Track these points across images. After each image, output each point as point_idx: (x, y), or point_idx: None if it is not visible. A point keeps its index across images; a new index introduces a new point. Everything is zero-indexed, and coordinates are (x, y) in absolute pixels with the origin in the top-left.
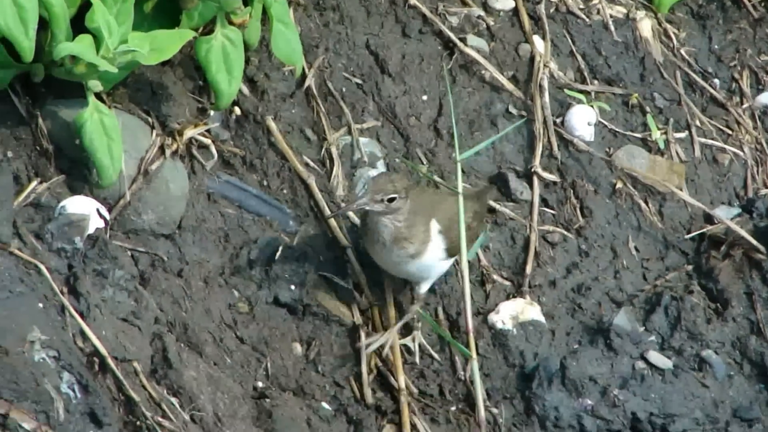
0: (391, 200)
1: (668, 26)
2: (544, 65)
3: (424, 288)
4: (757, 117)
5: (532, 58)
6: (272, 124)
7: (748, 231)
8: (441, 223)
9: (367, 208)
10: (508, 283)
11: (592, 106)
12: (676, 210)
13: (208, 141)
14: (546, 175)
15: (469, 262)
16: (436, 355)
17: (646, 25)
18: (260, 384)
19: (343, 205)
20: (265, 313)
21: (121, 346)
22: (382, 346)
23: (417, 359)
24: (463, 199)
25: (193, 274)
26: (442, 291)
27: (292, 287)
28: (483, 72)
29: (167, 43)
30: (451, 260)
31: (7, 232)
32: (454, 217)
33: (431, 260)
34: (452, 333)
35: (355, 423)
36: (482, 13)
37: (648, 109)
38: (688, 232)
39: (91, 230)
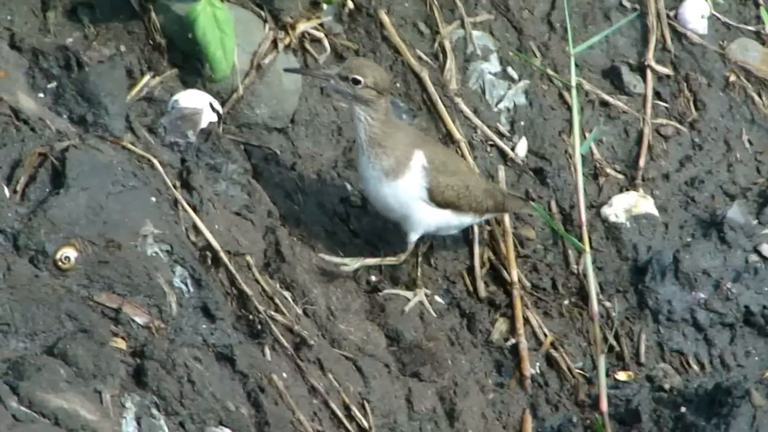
0: (355, 82)
1: None
2: None
3: (412, 237)
4: None
5: None
6: (385, 18)
7: None
8: (429, 159)
9: (332, 82)
10: (621, 176)
11: None
12: None
13: (320, 35)
14: (659, 68)
15: (582, 155)
16: (549, 249)
17: None
18: (373, 278)
19: (320, 72)
20: None
21: (234, 240)
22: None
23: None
24: (485, 181)
25: (306, 167)
26: (555, 185)
27: None
28: None
29: None
30: (444, 213)
31: (120, 127)
32: (450, 166)
33: (408, 192)
34: (565, 226)
35: (468, 316)
36: None
37: (761, 1)
38: None
39: (203, 124)
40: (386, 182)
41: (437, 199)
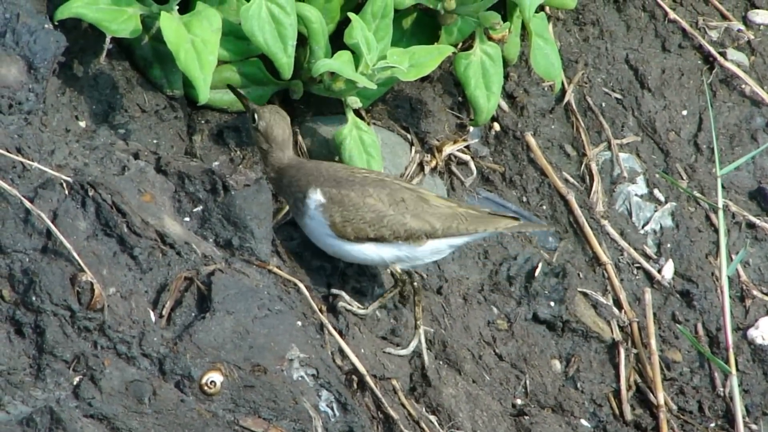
0: (253, 120)
1: None
2: None
3: (396, 268)
4: None
5: None
6: (531, 140)
7: None
8: (326, 195)
9: (247, 114)
10: (767, 298)
11: None
12: None
13: (467, 157)
14: None
15: (728, 277)
16: (695, 371)
17: None
18: (519, 401)
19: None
20: (524, 330)
21: (380, 364)
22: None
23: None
24: (420, 203)
25: (452, 291)
26: (701, 307)
27: (552, 303)
28: (743, 86)
29: (426, 58)
30: (368, 247)
31: (266, 251)
32: (355, 199)
33: (315, 230)
34: (712, 349)
35: None
36: (742, 27)
37: None
38: None
39: None
40: (299, 220)
41: (344, 235)
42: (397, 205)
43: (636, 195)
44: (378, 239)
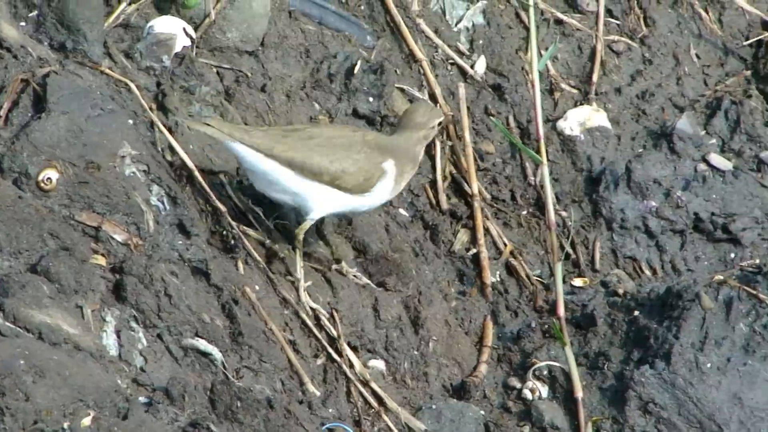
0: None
1: None
2: None
3: None
4: None
5: None
6: None
7: None
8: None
9: None
10: (575, 91)
11: None
12: (735, 18)
13: None
14: None
15: (539, 72)
16: (507, 162)
17: None
18: None
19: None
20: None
21: (208, 159)
22: None
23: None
24: None
25: (276, 88)
26: (512, 100)
27: (370, 99)
28: None
29: None
30: None
31: (98, 52)
32: None
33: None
34: (523, 140)
35: (431, 228)
36: None
37: None
38: (747, 39)
39: (178, 49)
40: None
41: None
42: None
43: None
44: None
